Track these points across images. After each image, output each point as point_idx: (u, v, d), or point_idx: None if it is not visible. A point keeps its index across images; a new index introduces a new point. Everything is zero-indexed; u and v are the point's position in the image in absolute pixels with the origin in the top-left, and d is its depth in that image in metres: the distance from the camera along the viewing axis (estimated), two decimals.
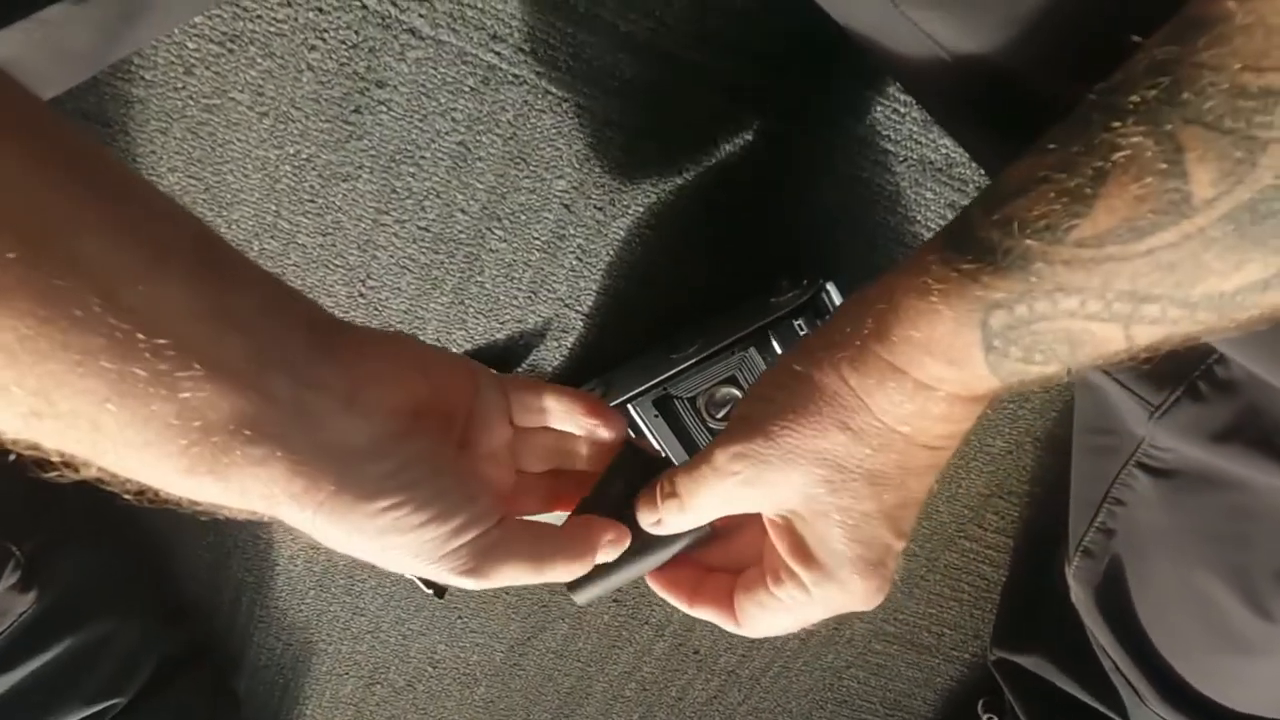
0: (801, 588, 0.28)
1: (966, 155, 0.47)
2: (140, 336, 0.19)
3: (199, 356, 0.20)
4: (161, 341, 0.19)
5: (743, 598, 0.30)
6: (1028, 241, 0.21)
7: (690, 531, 0.31)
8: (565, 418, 0.31)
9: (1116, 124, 0.19)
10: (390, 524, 0.24)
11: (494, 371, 0.31)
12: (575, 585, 0.31)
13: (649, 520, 0.30)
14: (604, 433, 0.32)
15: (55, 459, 0.20)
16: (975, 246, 0.22)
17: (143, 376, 0.19)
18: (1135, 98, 0.19)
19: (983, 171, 0.47)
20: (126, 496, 0.22)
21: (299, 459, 0.22)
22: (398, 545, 0.25)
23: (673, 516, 0.30)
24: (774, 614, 0.29)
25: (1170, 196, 0.19)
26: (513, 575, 0.28)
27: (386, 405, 0.25)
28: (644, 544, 0.31)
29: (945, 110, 0.35)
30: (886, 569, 0.27)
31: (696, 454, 0.29)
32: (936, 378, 0.24)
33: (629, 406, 0.48)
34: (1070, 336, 0.21)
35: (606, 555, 0.30)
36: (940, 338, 0.23)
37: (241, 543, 0.60)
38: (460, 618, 0.64)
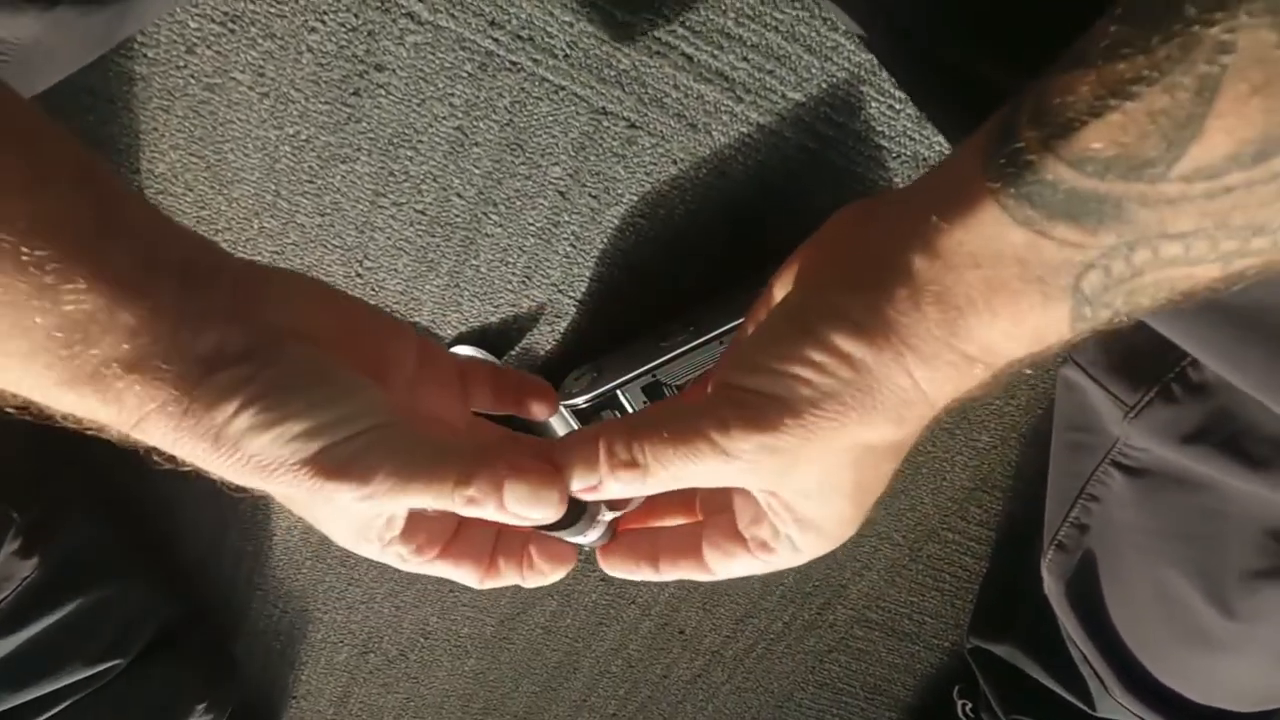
0: (792, 549, 0.26)
1: None
2: (23, 249, 0.19)
3: (83, 269, 0.20)
4: (43, 253, 0.19)
5: (716, 559, 0.27)
6: (1121, 185, 0.17)
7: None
8: (481, 397, 0.28)
9: (1220, 14, 0.15)
10: (244, 427, 0.22)
11: (424, 342, 0.28)
12: None
13: (581, 483, 0.25)
14: (536, 409, 0.29)
15: None
16: (1049, 195, 0.17)
17: (24, 289, 0.19)
18: None
19: None
20: (9, 411, 0.22)
21: (170, 365, 0.21)
22: (256, 453, 0.22)
23: (623, 486, 0.24)
24: (753, 568, 0.27)
25: None
26: (388, 483, 0.23)
27: (277, 322, 0.23)
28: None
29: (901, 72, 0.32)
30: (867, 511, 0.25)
31: (675, 418, 0.24)
32: (1010, 359, 0.20)
33: (619, 392, 0.49)
34: (1165, 283, 0.18)
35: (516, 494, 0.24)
36: (1024, 318, 0.19)
37: (240, 512, 0.61)
38: (452, 591, 0.66)
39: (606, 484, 0.25)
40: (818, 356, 0.22)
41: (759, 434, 0.22)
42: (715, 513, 0.29)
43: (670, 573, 0.28)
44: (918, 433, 0.23)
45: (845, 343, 0.21)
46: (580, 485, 0.25)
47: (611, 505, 0.29)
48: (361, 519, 0.25)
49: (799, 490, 0.24)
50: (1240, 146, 0.16)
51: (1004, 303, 0.19)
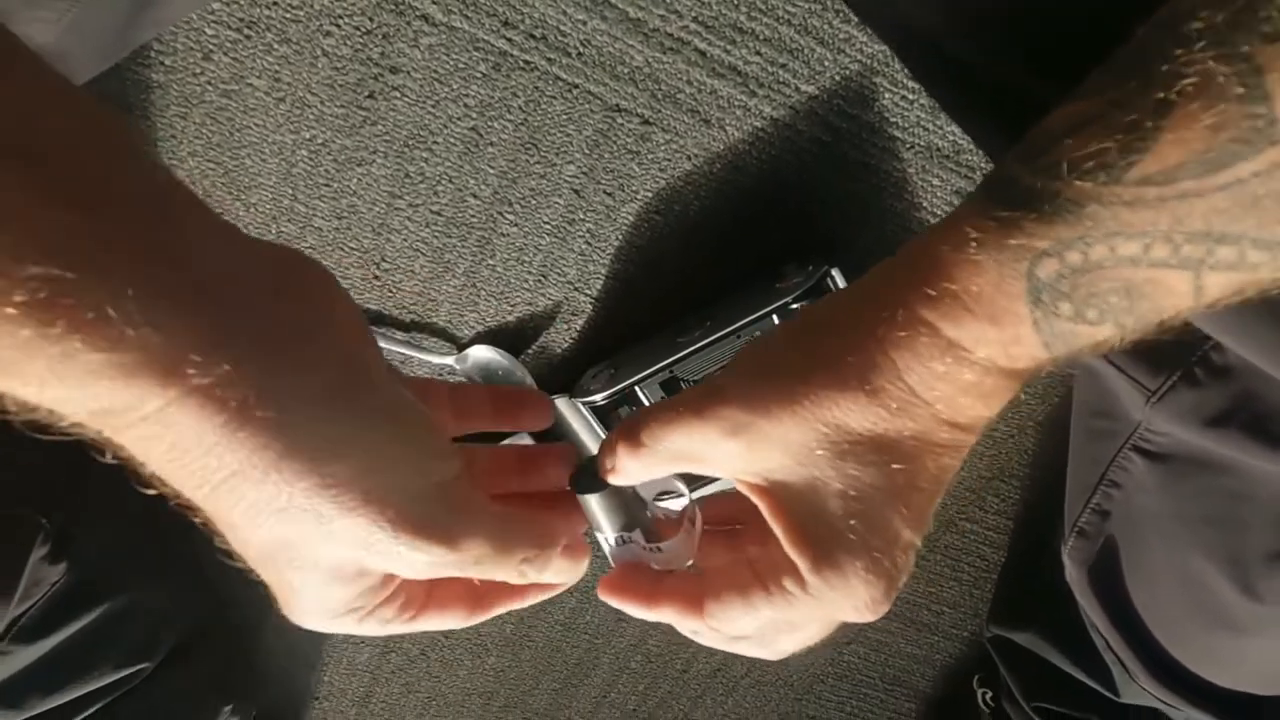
0: (798, 581, 0.24)
1: (974, 143, 0.47)
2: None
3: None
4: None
5: (726, 594, 0.26)
6: (1078, 183, 0.19)
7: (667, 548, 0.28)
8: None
9: (1179, 51, 0.17)
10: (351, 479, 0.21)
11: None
12: None
13: (605, 465, 0.27)
14: (529, 420, 0.28)
15: None
16: (1017, 195, 0.20)
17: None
18: (1198, 24, 0.17)
19: (988, 158, 0.47)
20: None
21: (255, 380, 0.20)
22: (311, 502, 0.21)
23: (626, 459, 0.26)
24: (757, 614, 0.25)
25: (1252, 124, 0.17)
26: (481, 548, 0.24)
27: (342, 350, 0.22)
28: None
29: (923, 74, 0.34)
30: (895, 568, 0.23)
31: (676, 395, 0.26)
32: (974, 339, 0.21)
33: (637, 388, 0.49)
34: (1131, 288, 0.19)
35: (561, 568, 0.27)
36: (981, 290, 0.20)
37: None
38: None
39: (618, 463, 0.26)
40: (796, 329, 0.24)
41: (732, 396, 0.24)
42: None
43: (663, 607, 0.27)
44: (907, 435, 0.22)
45: (820, 314, 0.24)
46: (608, 466, 0.27)
47: (665, 541, 0.29)
48: (354, 587, 0.24)
49: (781, 483, 0.23)
50: (1190, 156, 0.18)
51: (963, 273, 0.21)
